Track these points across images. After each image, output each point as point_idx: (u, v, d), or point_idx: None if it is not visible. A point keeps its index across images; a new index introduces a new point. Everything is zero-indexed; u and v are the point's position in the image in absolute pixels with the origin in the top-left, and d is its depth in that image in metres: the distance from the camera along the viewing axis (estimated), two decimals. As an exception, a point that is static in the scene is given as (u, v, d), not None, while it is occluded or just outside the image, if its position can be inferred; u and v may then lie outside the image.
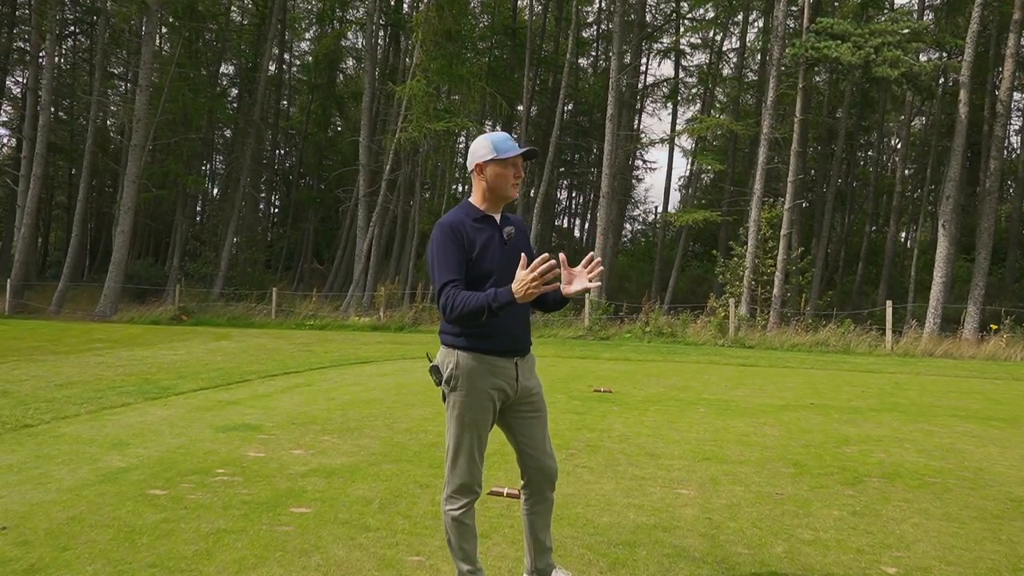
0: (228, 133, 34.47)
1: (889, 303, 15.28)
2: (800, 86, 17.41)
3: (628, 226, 43.87)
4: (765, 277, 17.61)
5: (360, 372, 9.44)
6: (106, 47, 25.16)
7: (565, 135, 30.22)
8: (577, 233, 43.65)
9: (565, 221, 44.54)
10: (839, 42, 15.71)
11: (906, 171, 29.27)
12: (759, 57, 29.64)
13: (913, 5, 25.95)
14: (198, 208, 35.25)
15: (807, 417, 6.94)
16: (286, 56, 35.14)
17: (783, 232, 17.38)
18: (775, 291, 17.26)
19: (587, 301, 17.25)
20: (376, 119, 27.49)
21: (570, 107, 35.51)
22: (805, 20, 17.41)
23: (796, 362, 12.58)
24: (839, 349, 14.68)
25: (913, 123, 30.60)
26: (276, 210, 41.31)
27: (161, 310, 18.32)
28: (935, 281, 16.62)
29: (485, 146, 2.57)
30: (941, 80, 21.78)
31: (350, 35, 34.98)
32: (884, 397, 8.58)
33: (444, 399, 2.59)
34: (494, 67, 27.56)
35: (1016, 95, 26.89)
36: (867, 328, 15.57)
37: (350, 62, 37.77)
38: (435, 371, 2.58)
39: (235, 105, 32.34)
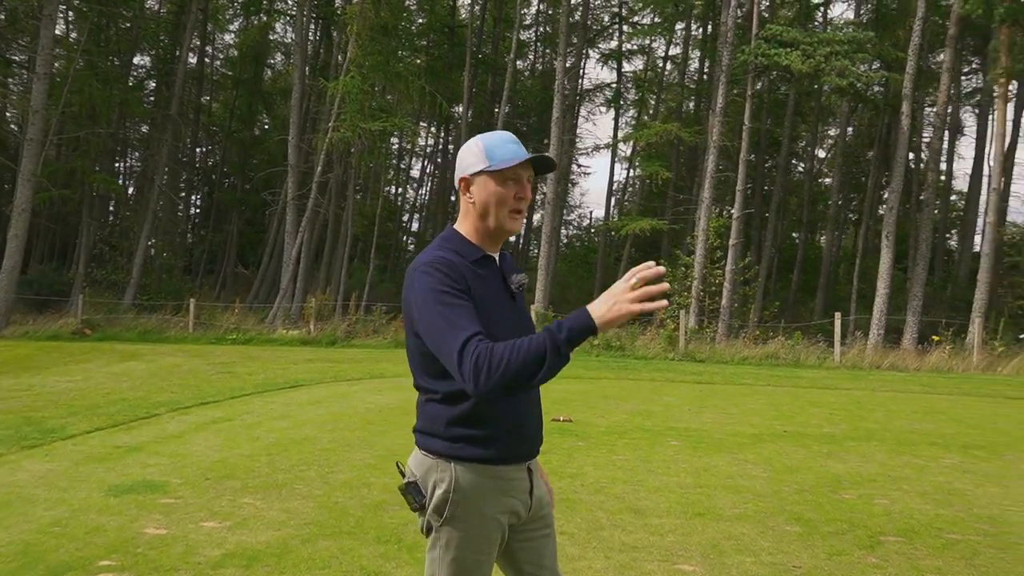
0: (146, 129, 32.24)
1: (838, 315, 15.21)
2: (749, 93, 17.25)
3: (564, 231, 43.56)
4: (713, 288, 17.35)
5: (289, 400, 8.40)
6: (3, 30, 22.89)
7: (504, 138, 29.46)
8: (512, 238, 43.06)
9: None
10: (789, 49, 15.60)
11: (833, 180, 29.93)
12: (701, 64, 29.76)
13: (845, 18, 26.53)
14: (111, 209, 32.82)
15: (786, 451, 6.39)
16: (208, 48, 33.15)
17: (732, 242, 17.15)
18: (723, 302, 17.01)
19: (532, 312, 16.55)
20: (306, 117, 26.08)
21: (507, 110, 34.93)
22: (754, 27, 17.26)
23: (751, 378, 12.21)
24: (789, 362, 14.48)
25: (837, 133, 31.37)
26: (197, 211, 39.05)
27: (61, 323, 16.48)
28: (879, 292, 16.72)
29: (474, 151, 1.77)
30: (877, 91, 22.17)
31: (279, 27, 33.33)
32: (854, 421, 8.18)
33: (425, 530, 1.76)
34: (432, 66, 26.60)
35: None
36: (814, 340, 15.46)
37: (279, 57, 36.06)
38: (413, 491, 1.74)
39: (152, 99, 30.22)
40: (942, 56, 24.87)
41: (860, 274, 22.00)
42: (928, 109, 25.55)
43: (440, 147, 37.06)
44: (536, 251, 30.16)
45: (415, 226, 40.81)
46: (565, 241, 41.87)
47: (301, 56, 22.71)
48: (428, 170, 39.70)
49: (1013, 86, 20.34)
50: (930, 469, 5.87)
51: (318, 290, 19.97)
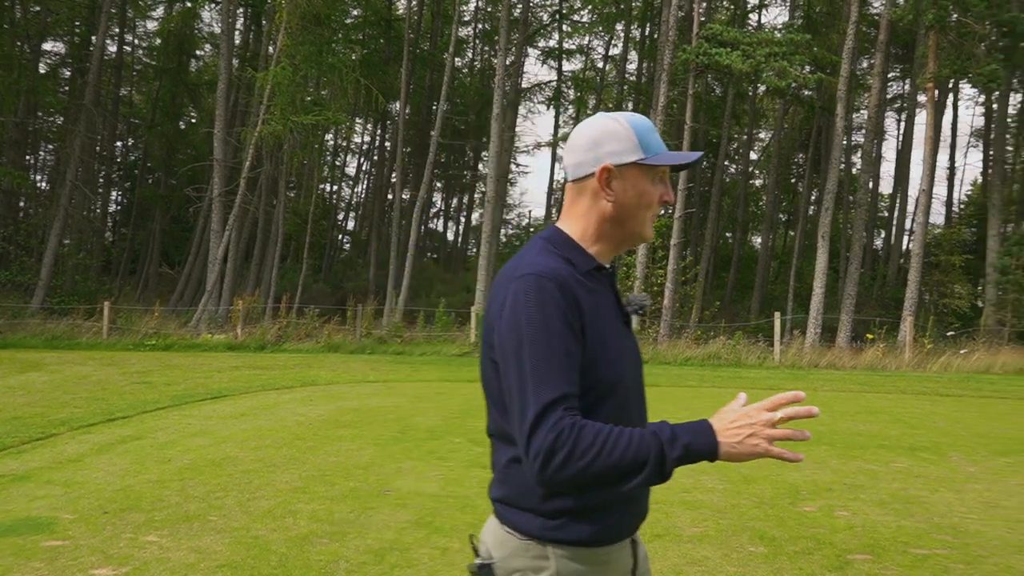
0: (62, 120, 30.25)
1: (778, 315, 15.35)
2: (690, 92, 17.28)
3: (503, 230, 43.34)
4: (655, 288, 17.29)
5: (209, 413, 7.71)
6: None
7: (440, 135, 29.01)
8: (451, 236, 42.55)
9: (439, 225, 43.31)
10: (729, 49, 15.67)
11: (767, 181, 30.62)
12: (640, 64, 29.93)
13: (779, 22, 27.13)
14: (21, 205, 30.66)
15: (741, 458, 6.16)
16: (128, 36, 31.37)
17: (673, 242, 17.13)
18: (665, 302, 16.97)
19: (472, 313, 16.12)
20: (234, 110, 24.93)
21: (446, 107, 34.40)
22: (694, 27, 17.29)
23: (695, 379, 12.12)
24: (731, 362, 14.50)
25: (770, 135, 32.14)
26: (118, 208, 36.98)
27: (-44, 329, 15.11)
28: (815, 292, 17.01)
29: (622, 135, 1.38)
30: (809, 94, 22.68)
31: (205, 15, 31.83)
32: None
33: None
34: (368, 59, 25.82)
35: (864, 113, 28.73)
36: (754, 340, 15.58)
37: (207, 48, 34.48)
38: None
39: (67, 89, 28.35)
40: (866, 63, 25.75)
41: (795, 273, 22.45)
42: (856, 112, 26.39)
43: (376, 144, 36.24)
44: (475, 251, 29.74)
45: (351, 225, 39.83)
46: (504, 240, 41.64)
47: (227, 44, 21.61)
48: (364, 167, 38.80)
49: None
50: (883, 475, 5.75)
51: (247, 292, 18.99)
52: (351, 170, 39.99)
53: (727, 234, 33.80)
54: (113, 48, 28.81)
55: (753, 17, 29.21)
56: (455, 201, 42.53)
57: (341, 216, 39.01)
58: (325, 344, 15.25)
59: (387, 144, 33.08)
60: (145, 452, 5.83)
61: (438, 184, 39.35)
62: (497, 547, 1.35)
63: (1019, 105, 28.40)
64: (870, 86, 20.41)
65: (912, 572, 3.71)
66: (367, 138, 37.74)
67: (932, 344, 15.57)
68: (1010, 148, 26.70)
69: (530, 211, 57.39)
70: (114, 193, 35.65)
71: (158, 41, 31.74)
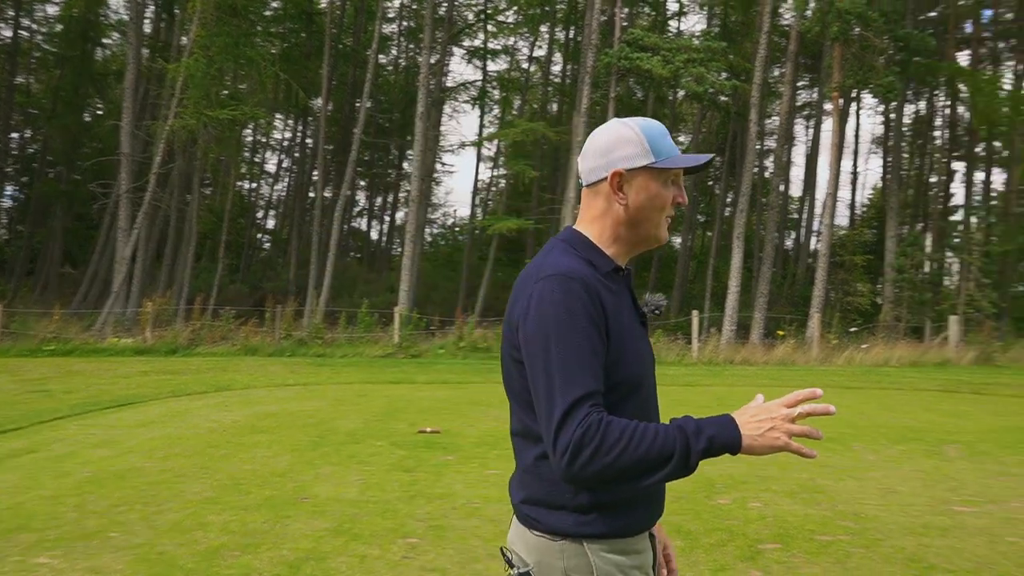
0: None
1: (695, 313, 15.83)
2: (612, 95, 17.60)
3: (428, 229, 42.97)
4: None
5: (113, 422, 7.29)
6: None
7: (364, 133, 28.52)
8: (375, 236, 41.92)
9: (363, 223, 42.57)
10: (650, 54, 16.06)
11: (685, 183, 31.49)
12: (564, 66, 30.27)
13: (697, 30, 28.01)
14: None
15: (660, 454, 6.30)
16: (24, 20, 29.36)
17: (594, 242, 17.38)
18: (587, 301, 17.20)
19: (396, 314, 15.91)
20: (144, 103, 23.73)
21: (369, 104, 33.87)
22: (616, 31, 17.62)
23: (616, 377, 12.33)
24: (650, 359, 14.84)
25: (689, 139, 33.16)
26: (14, 204, 34.56)
27: None
28: (730, 291, 17.65)
29: (633, 139, 1.41)
30: (724, 100, 23.49)
31: (112, 1, 30.17)
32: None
33: None
34: (289, 53, 25.08)
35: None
36: (673, 337, 16.00)
37: (115, 36, 32.67)
38: None
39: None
40: (778, 72, 26.93)
41: (713, 273, 23.24)
42: (769, 119, 27.55)
43: (298, 140, 35.27)
44: (400, 250, 29.39)
45: (271, 223, 38.64)
46: (430, 240, 41.35)
47: (136, 33, 20.55)
48: (285, 164, 37.72)
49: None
50: (793, 466, 5.98)
51: (158, 293, 18.08)
52: (271, 167, 38.80)
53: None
54: (8, 33, 26.95)
55: (673, 24, 30.06)
56: (379, 200, 41.91)
57: (261, 214, 37.80)
58: (242, 347, 14.71)
59: (308, 141, 32.25)
60: (39, 466, 5.45)
61: (362, 183, 38.67)
62: (531, 553, 1.34)
63: (914, 115, 30.36)
64: (781, 94, 21.35)
65: (817, 558, 3.88)
66: (288, 134, 36.70)
67: (837, 340, 16.42)
68: (906, 156, 28.50)
69: (455, 210, 57.22)
70: (9, 188, 33.32)
71: (59, 27, 29.86)
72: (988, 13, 29.19)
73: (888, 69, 18.43)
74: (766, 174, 28.91)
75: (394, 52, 36.02)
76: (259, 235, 37.08)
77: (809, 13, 19.67)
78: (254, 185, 37.19)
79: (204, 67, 17.48)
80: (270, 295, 19.55)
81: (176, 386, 9.91)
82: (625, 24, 20.28)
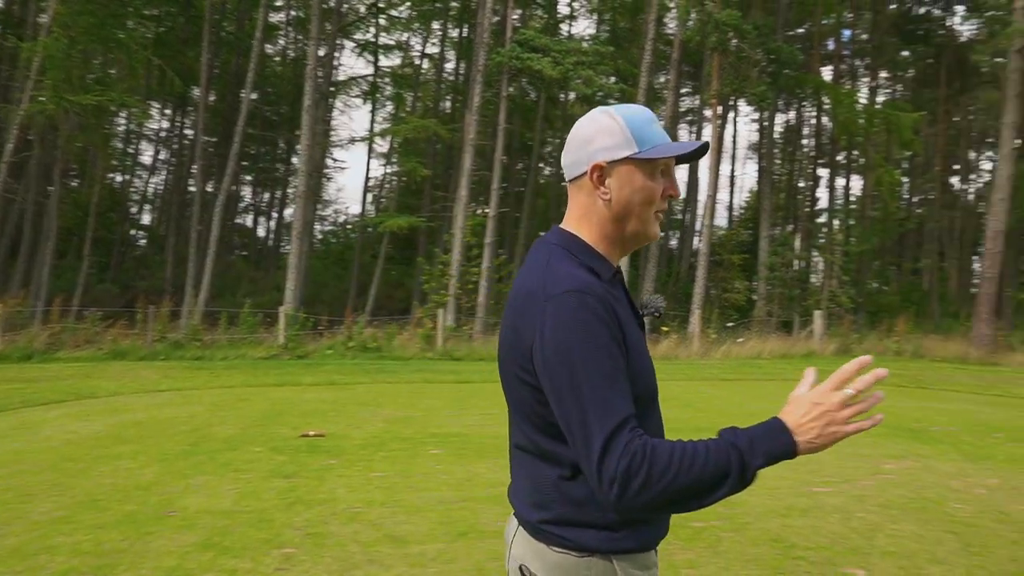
0: None
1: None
2: (503, 95, 17.70)
3: (318, 227, 41.71)
4: (470, 285, 17.52)
5: (-49, 436, 6.56)
6: None
7: (249, 126, 27.28)
8: (262, 233, 40.24)
9: (248, 220, 40.74)
10: (540, 55, 16.28)
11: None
12: (458, 64, 30.19)
13: (587, 33, 28.70)
14: None
15: (546, 449, 6.38)
16: None
17: (487, 240, 17.46)
18: (480, 299, 17.25)
19: (281, 314, 15.29)
20: (-6, 84, 21.59)
21: (255, 96, 32.46)
22: (508, 31, 17.74)
23: (507, 374, 12.41)
24: (541, 356, 15.04)
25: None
26: None
27: None
28: (617, 288, 18.11)
29: (613, 129, 1.31)
30: (614, 102, 24.20)
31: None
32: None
33: None
34: (164, 38, 23.55)
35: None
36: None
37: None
38: None
39: None
40: (664, 78, 28.08)
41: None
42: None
43: (176, 131, 33.24)
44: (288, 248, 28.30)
45: (146, 219, 36.20)
46: (320, 238, 40.15)
47: (-16, 8, 18.64)
48: (163, 157, 35.45)
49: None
50: (672, 456, 6.21)
51: (11, 294, 16.48)
52: (147, 159, 36.33)
53: (541, 233, 35.16)
54: None
55: (564, 28, 30.66)
56: (267, 196, 40.22)
57: (135, 209, 35.31)
58: (109, 351, 13.66)
59: (189, 132, 30.47)
60: None
61: (247, 177, 37.00)
62: (552, 570, 1.26)
63: (785, 124, 32.52)
64: (666, 99, 22.24)
65: (691, 544, 4.03)
66: (165, 124, 34.52)
67: (716, 334, 17.30)
68: (778, 161, 30.48)
69: (347, 207, 55.92)
70: None
71: None
72: (847, 33, 31.76)
73: (761, 79, 19.61)
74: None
75: (282, 42, 34.68)
76: (133, 231, 34.64)
77: (691, 23, 20.64)
78: (127, 178, 34.69)
79: (65, 48, 16.09)
80: (143, 295, 18.30)
81: (29, 395, 9.05)
82: (518, 25, 20.52)
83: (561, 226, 1.37)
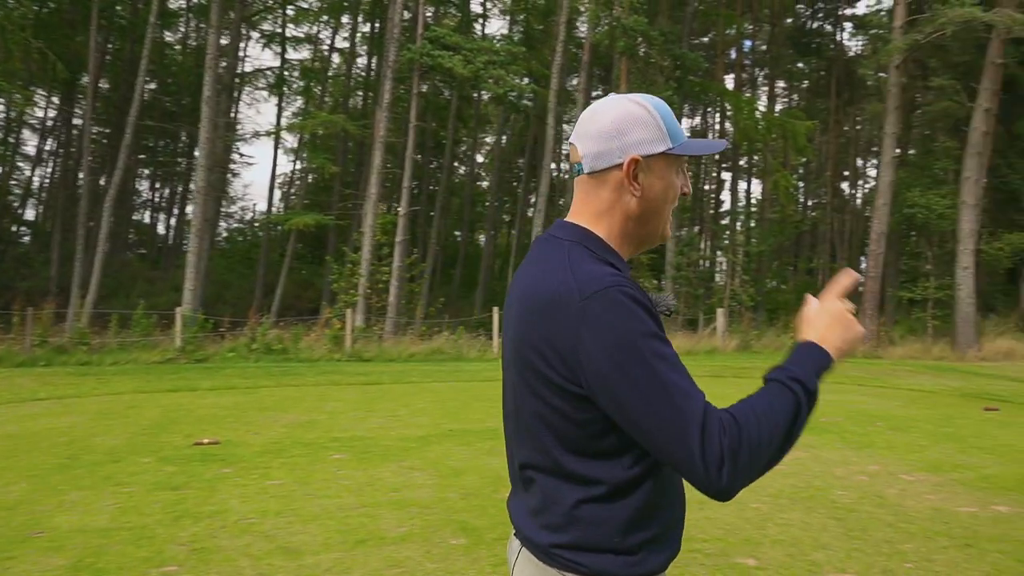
0: None
1: (496, 309, 16.20)
2: (415, 92, 17.46)
3: (224, 224, 39.98)
4: (380, 285, 17.19)
5: None
6: None
7: (147, 117, 25.79)
8: (162, 230, 38.23)
9: (147, 216, 38.58)
10: (452, 53, 16.15)
11: (490, 183, 32.41)
12: (369, 59, 29.61)
13: (500, 33, 28.77)
14: None
15: (452, 451, 6.31)
16: None
17: (398, 239, 17.18)
18: (390, 298, 16.95)
19: (178, 315, 14.52)
20: None
21: (154, 86, 30.75)
22: (419, 27, 17.51)
23: (418, 375, 12.25)
24: (453, 356, 14.96)
25: (493, 140, 34.11)
26: None
27: None
28: (529, 287, 18.24)
29: (647, 121, 1.23)
30: (527, 104, 24.40)
31: None
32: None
33: None
34: (47, 19, 21.91)
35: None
36: (476, 334, 16.27)
37: None
38: None
39: None
40: (576, 80, 28.52)
41: (513, 270, 24.02)
42: (566, 126, 29.04)
43: (62, 121, 31.03)
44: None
45: (30, 214, 33.62)
46: (225, 236, 38.53)
47: None
48: (49, 147, 33.01)
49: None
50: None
51: None
52: (30, 149, 33.74)
53: (456, 233, 35.09)
54: None
55: (477, 27, 30.64)
56: (167, 191, 38.19)
57: (17, 203, 32.71)
58: (-19, 356, 12.57)
59: (76, 121, 28.50)
60: None
61: (145, 171, 35.02)
62: None
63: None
64: (577, 100, 22.58)
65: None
66: (52, 113, 32.18)
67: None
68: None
69: (255, 204, 53.83)
70: None
71: None
72: (748, 44, 33.26)
73: (667, 85, 20.23)
74: (565, 176, 30.50)
75: (183, 30, 33.01)
76: (15, 227, 32.11)
77: (601, 28, 21.04)
78: (5, 169, 32.10)
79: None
80: (23, 296, 16.96)
81: None
82: (430, 22, 20.30)
83: (571, 221, 1.27)
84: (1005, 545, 4.07)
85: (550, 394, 1.17)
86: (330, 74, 30.67)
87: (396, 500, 4.78)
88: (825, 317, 1.24)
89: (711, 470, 1.07)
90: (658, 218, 1.27)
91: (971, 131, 19.24)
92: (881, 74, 23.65)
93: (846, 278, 1.27)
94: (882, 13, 25.47)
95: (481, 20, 29.75)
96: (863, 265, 21.13)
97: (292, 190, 33.20)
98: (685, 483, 1.23)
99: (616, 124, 1.22)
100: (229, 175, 35.88)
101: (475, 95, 27.73)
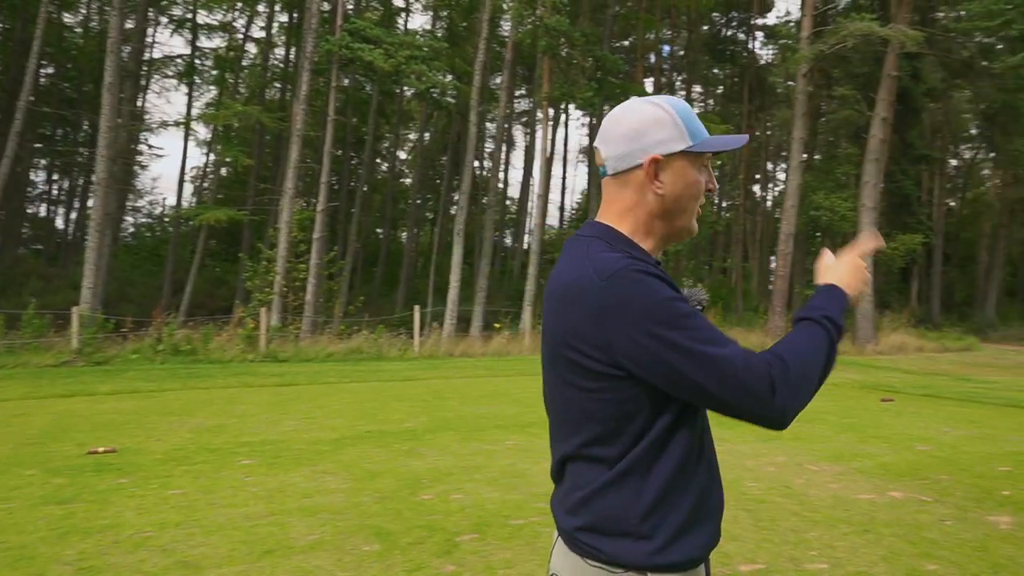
0: None
1: (417, 308, 15.98)
2: (333, 85, 16.98)
3: (130, 219, 37.88)
4: (297, 283, 16.66)
5: None
6: None
7: (44, 103, 24.13)
8: (61, 224, 35.89)
9: (44, 209, 36.13)
10: (372, 47, 15.79)
11: (413, 180, 32.05)
12: (287, 50, 28.67)
13: (423, 28, 28.44)
14: None
15: (368, 453, 6.14)
16: None
17: (316, 235, 16.69)
18: (308, 297, 16.46)
19: (75, 315, 13.61)
20: None
21: (51, 70, 28.79)
22: (339, 18, 17.03)
23: (335, 375, 11.93)
24: (373, 355, 14.67)
25: (416, 137, 33.73)
26: None
27: None
28: (451, 284, 18.19)
29: (667, 121, 1.29)
30: (451, 101, 24.21)
31: None
32: (432, 411, 8.43)
33: None
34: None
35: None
36: (397, 332, 16.02)
37: None
38: None
39: None
40: (499, 78, 28.55)
41: (436, 268, 23.84)
42: (489, 124, 29.07)
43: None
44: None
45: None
46: (132, 231, 36.56)
47: None
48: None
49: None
50: (497, 454, 6.21)
51: None
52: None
53: (377, 230, 34.51)
54: None
55: (400, 21, 30.19)
56: (67, 183, 35.86)
57: None
58: None
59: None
60: None
61: (42, 161, 32.77)
62: None
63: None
64: (500, 99, 22.58)
65: (509, 543, 4.00)
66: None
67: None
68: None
69: (164, 199, 51.26)
70: None
71: None
72: (667, 49, 34.18)
73: (588, 85, 20.49)
74: (487, 174, 30.50)
75: (83, 11, 31.05)
76: None
77: (524, 27, 21.10)
78: None
79: None
80: None
81: None
82: (351, 13, 19.81)
83: (597, 220, 1.34)
84: (899, 529, 4.28)
85: (580, 379, 1.22)
86: (245, 64, 29.53)
87: (307, 506, 4.59)
88: (846, 266, 1.38)
89: (765, 399, 1.15)
90: (683, 214, 1.32)
91: (870, 138, 20.41)
92: (790, 82, 24.76)
93: (872, 241, 1.43)
94: (791, 24, 26.69)
95: (404, 14, 29.36)
96: (773, 264, 22.07)
97: (204, 184, 31.78)
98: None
99: (635, 126, 1.29)
100: (135, 167, 33.97)
101: (397, 90, 27.31)
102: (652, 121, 1.29)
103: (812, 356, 1.21)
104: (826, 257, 1.43)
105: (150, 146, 35.25)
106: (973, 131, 34.24)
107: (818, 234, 25.30)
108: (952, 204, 37.63)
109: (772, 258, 24.89)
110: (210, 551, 3.78)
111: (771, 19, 32.95)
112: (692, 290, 1.47)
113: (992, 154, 32.96)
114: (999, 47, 23.19)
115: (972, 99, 29.00)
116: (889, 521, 4.44)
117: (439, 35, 26.20)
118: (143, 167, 35.21)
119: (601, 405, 1.22)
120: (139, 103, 28.45)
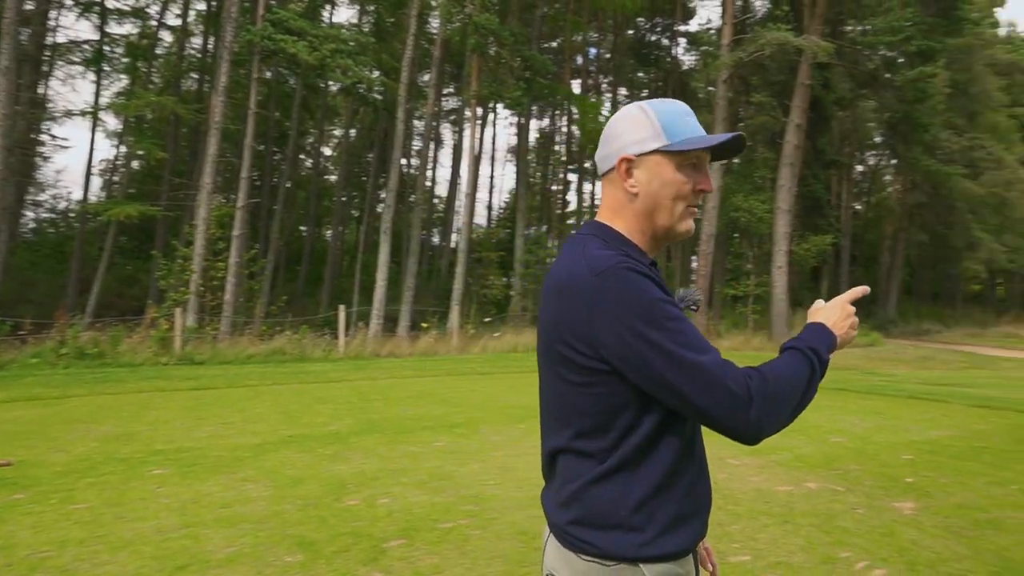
0: None
1: (342, 307, 15.61)
2: (254, 76, 16.35)
3: (31, 213, 35.44)
4: (215, 282, 15.98)
5: None
6: None
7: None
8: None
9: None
10: (296, 38, 15.29)
11: (338, 177, 31.39)
12: (205, 40, 27.48)
13: (349, 22, 27.86)
14: None
15: (291, 459, 5.93)
16: None
17: (236, 233, 16.05)
18: (227, 296, 15.81)
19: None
20: None
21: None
22: (260, 8, 16.40)
23: (256, 377, 11.51)
24: (296, 356, 14.24)
25: (342, 133, 33.03)
26: None
27: None
28: (378, 283, 17.86)
29: (642, 121, 1.32)
30: (378, 97, 23.77)
31: None
32: (357, 414, 8.24)
33: None
34: None
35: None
36: (321, 333, 15.61)
37: None
38: None
39: None
40: (428, 76, 28.27)
41: (362, 267, 23.39)
42: (417, 121, 28.76)
43: None
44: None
45: None
46: (33, 227, 34.23)
47: None
48: None
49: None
50: (424, 456, 6.11)
51: None
52: None
53: (301, 228, 33.59)
54: None
55: (325, 14, 29.43)
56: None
57: None
58: None
59: None
60: None
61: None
62: None
63: (540, 131, 34.57)
64: (428, 96, 22.37)
65: (438, 547, 3.93)
66: None
67: (474, 329, 17.76)
68: (533, 165, 32.28)
69: (70, 192, 48.26)
70: None
71: None
72: (594, 51, 34.70)
73: (517, 85, 20.55)
74: (415, 172, 30.16)
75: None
76: None
77: (453, 24, 20.95)
78: None
79: None
80: None
81: None
82: (273, 3, 19.17)
83: (595, 219, 1.38)
84: (815, 519, 4.45)
85: (569, 373, 1.25)
86: (159, 52, 28.15)
87: (225, 517, 4.38)
88: (837, 311, 1.40)
89: (740, 410, 1.16)
90: (666, 213, 1.32)
91: (785, 144, 21.30)
92: (711, 87, 25.55)
93: (860, 290, 1.46)
94: (712, 32, 27.54)
95: (329, 7, 28.65)
96: (694, 264, 22.72)
97: (114, 177, 30.11)
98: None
99: (614, 127, 1.35)
100: (36, 159, 31.80)
101: (322, 85, 26.64)
102: (629, 122, 1.34)
103: (792, 378, 1.23)
104: (817, 303, 1.47)
105: (53, 136, 32.97)
106: (877, 139, 36.26)
107: (736, 235, 26.21)
108: (858, 207, 39.77)
109: (693, 258, 25.63)
110: (116, 569, 3.54)
111: (693, 26, 33.88)
112: (687, 290, 1.50)
113: (894, 161, 35.01)
114: (900, 61, 24.66)
115: (877, 109, 30.71)
116: (806, 511, 4.60)
117: (366, 30, 25.72)
118: (45, 159, 32.96)
119: (589, 399, 1.24)
120: (41, 90, 26.65)
